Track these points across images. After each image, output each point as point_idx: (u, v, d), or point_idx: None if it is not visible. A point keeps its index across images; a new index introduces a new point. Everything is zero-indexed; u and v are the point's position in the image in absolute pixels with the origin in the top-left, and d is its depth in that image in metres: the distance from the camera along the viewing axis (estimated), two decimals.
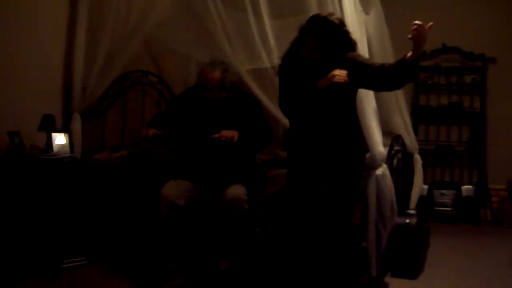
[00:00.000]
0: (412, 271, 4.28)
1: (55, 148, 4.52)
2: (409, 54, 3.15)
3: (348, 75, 3.35)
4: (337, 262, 3.50)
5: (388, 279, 4.21)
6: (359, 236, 3.64)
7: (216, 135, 3.92)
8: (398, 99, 4.86)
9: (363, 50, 3.94)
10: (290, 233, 3.60)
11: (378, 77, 3.33)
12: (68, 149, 4.58)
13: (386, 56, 4.47)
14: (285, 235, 3.66)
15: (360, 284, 3.60)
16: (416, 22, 3.04)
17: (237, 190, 3.94)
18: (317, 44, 3.36)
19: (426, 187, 6.41)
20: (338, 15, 3.81)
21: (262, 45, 4.54)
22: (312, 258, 3.52)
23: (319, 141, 3.49)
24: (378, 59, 4.30)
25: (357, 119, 3.62)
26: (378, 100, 4.15)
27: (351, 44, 3.49)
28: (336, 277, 3.51)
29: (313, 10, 4.03)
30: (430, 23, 3.07)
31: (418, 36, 3.06)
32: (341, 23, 3.44)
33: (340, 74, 3.32)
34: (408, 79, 3.30)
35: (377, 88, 3.65)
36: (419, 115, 6.91)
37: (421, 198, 5.39)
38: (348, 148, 3.51)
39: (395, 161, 4.51)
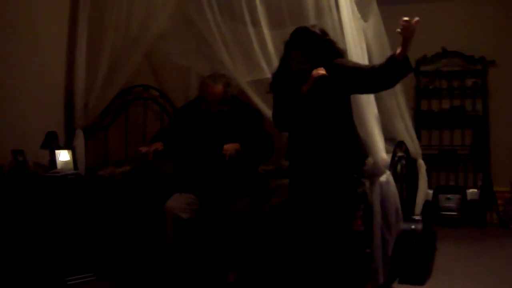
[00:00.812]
0: (420, 277, 4.27)
1: (59, 165, 4.53)
2: (398, 50, 3.19)
3: (339, 81, 3.42)
4: (340, 270, 3.50)
5: (395, 285, 4.19)
6: (362, 243, 3.62)
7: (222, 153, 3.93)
8: (400, 104, 4.86)
9: (362, 57, 3.95)
10: (293, 242, 3.60)
11: (370, 79, 3.37)
12: (72, 165, 4.59)
13: None
14: (289, 244, 3.66)
15: None
16: (404, 18, 3.12)
17: (240, 203, 3.94)
18: (303, 54, 3.46)
19: (431, 192, 6.41)
20: (335, 22, 3.87)
21: (262, 56, 4.54)
22: (315, 266, 3.52)
23: (316, 150, 3.51)
24: None
25: (354, 126, 3.63)
26: (379, 106, 4.14)
27: (338, 53, 3.55)
28: (340, 285, 3.50)
29: (311, 19, 4.06)
30: (417, 18, 3.13)
31: (406, 32, 3.12)
32: (324, 33, 3.54)
33: (316, 71, 3.42)
34: (399, 75, 3.32)
35: (370, 90, 3.67)
36: (421, 120, 6.91)
37: (427, 203, 5.38)
38: (346, 156, 3.52)
39: (398, 167, 4.50)
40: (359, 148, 3.61)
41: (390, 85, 3.51)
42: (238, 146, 4.00)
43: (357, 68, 3.45)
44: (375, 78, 3.35)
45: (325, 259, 3.52)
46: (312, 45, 3.45)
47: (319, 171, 3.51)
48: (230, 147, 3.98)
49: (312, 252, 3.53)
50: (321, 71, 3.42)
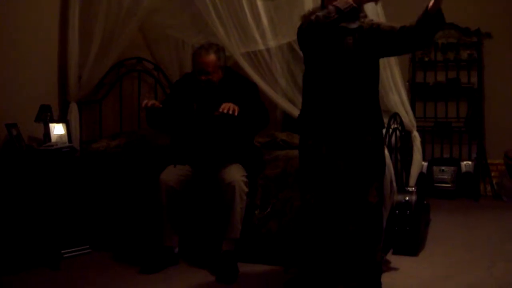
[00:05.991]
0: (413, 248, 4.30)
1: (53, 139, 4.52)
2: (431, 3, 3.02)
3: (371, 43, 3.25)
4: (354, 243, 3.34)
5: (389, 256, 4.22)
6: (377, 214, 3.48)
7: (219, 111, 3.88)
8: (395, 76, 4.84)
9: None
10: (308, 211, 3.41)
11: (403, 38, 3.17)
12: (66, 139, 4.58)
13: None
14: (301, 214, 3.51)
15: (376, 263, 3.51)
16: None
17: (235, 173, 3.95)
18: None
19: (425, 164, 6.42)
20: None
21: (256, 27, 4.52)
22: (328, 237, 3.38)
23: (338, 109, 3.29)
24: None
25: (378, 93, 3.44)
26: None
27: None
28: (353, 260, 3.36)
29: None
30: None
31: None
32: None
33: None
34: (433, 30, 3.15)
35: (404, 50, 3.49)
36: (416, 93, 6.90)
37: (421, 175, 5.40)
38: (366, 121, 3.33)
39: (393, 139, 4.50)
40: (380, 116, 3.43)
41: (425, 43, 3.22)
42: (237, 107, 3.93)
43: (389, 31, 3.22)
44: (408, 37, 3.15)
45: (339, 230, 3.36)
46: None
47: (336, 132, 3.29)
48: (228, 104, 3.91)
49: (327, 222, 3.36)
50: None
